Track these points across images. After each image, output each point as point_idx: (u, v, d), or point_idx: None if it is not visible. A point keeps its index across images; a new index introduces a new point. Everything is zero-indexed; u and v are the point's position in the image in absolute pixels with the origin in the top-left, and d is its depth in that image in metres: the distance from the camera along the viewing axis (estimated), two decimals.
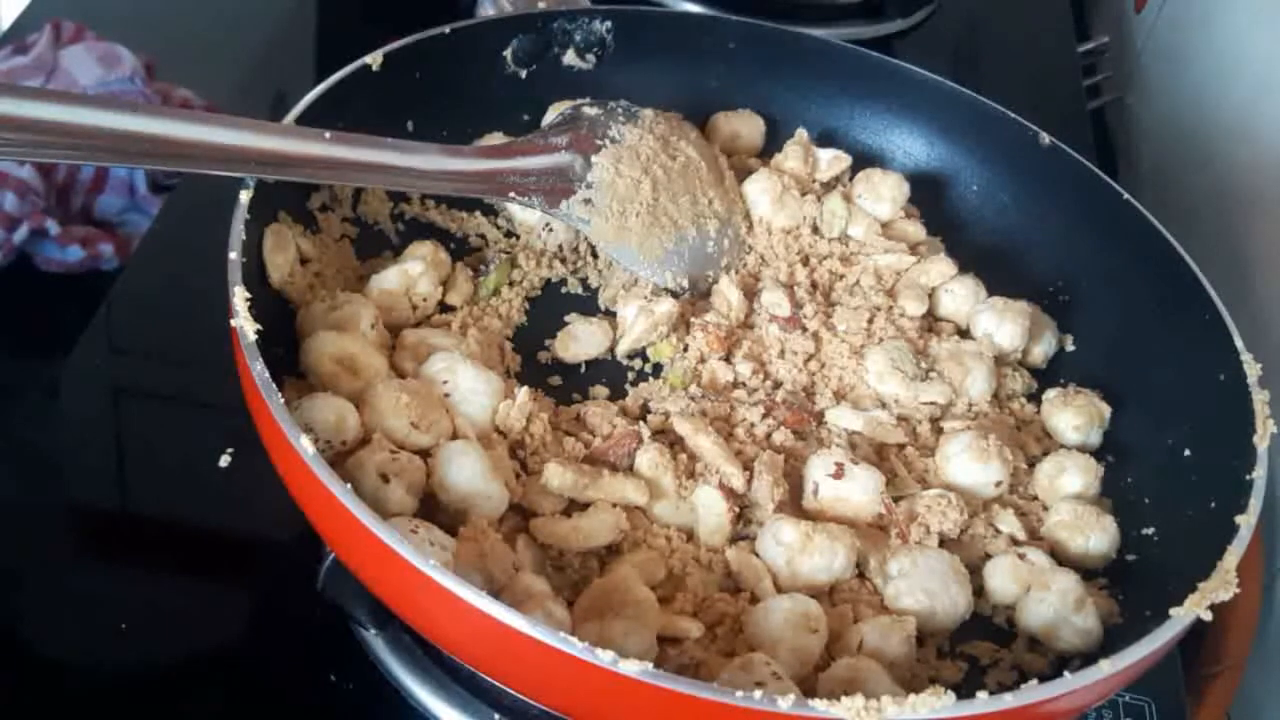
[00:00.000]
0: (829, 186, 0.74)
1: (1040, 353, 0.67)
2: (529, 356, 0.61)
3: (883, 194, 0.72)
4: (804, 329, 0.64)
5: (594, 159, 0.64)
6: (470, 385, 0.54)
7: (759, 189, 0.70)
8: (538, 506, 0.52)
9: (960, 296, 0.68)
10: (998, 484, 0.58)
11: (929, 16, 1.07)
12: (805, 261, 0.69)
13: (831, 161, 0.73)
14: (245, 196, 0.52)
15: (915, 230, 0.73)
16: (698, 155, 0.68)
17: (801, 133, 0.74)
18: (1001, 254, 0.72)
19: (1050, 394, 0.64)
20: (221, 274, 0.49)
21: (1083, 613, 0.52)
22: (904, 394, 0.61)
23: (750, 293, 0.66)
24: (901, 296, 0.68)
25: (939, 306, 0.69)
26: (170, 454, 0.62)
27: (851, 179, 0.74)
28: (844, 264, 0.69)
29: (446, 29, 0.67)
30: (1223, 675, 0.63)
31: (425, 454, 0.52)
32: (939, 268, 0.69)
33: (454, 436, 0.53)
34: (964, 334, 0.68)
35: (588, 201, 0.63)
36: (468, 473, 0.50)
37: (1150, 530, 0.57)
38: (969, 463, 0.58)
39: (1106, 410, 0.63)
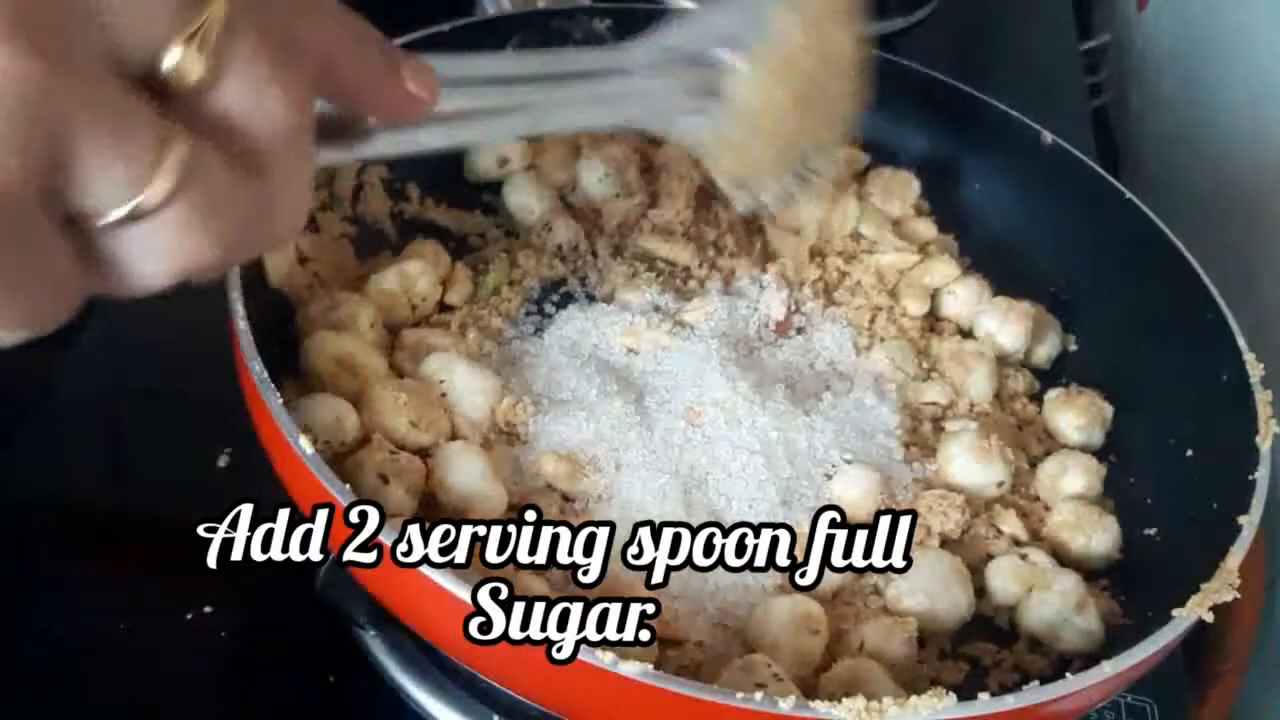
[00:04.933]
0: (841, 185, 0.73)
1: (1044, 353, 0.67)
2: None
3: (894, 192, 0.72)
4: (798, 330, 0.64)
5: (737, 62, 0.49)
6: (466, 384, 0.54)
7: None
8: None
9: (963, 298, 0.68)
10: (999, 484, 0.58)
11: (931, 14, 1.07)
12: (813, 255, 0.69)
13: (848, 160, 0.73)
14: None
15: (926, 228, 0.72)
16: (852, 49, 0.54)
17: None
18: (1003, 253, 0.71)
19: (1052, 394, 0.64)
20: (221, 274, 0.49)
21: (1084, 613, 0.52)
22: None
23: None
24: (903, 296, 0.67)
25: (941, 307, 0.68)
26: (170, 454, 0.62)
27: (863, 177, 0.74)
28: (848, 262, 0.69)
29: (446, 28, 0.67)
30: (1225, 676, 0.62)
31: (425, 455, 0.51)
32: (942, 269, 0.69)
33: (454, 436, 0.53)
34: (966, 334, 0.68)
35: (708, 114, 0.50)
36: (467, 474, 0.50)
37: (1152, 531, 0.56)
38: (970, 463, 0.57)
39: (1109, 410, 0.63)
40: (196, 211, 0.30)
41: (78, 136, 0.28)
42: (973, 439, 0.58)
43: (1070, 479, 0.59)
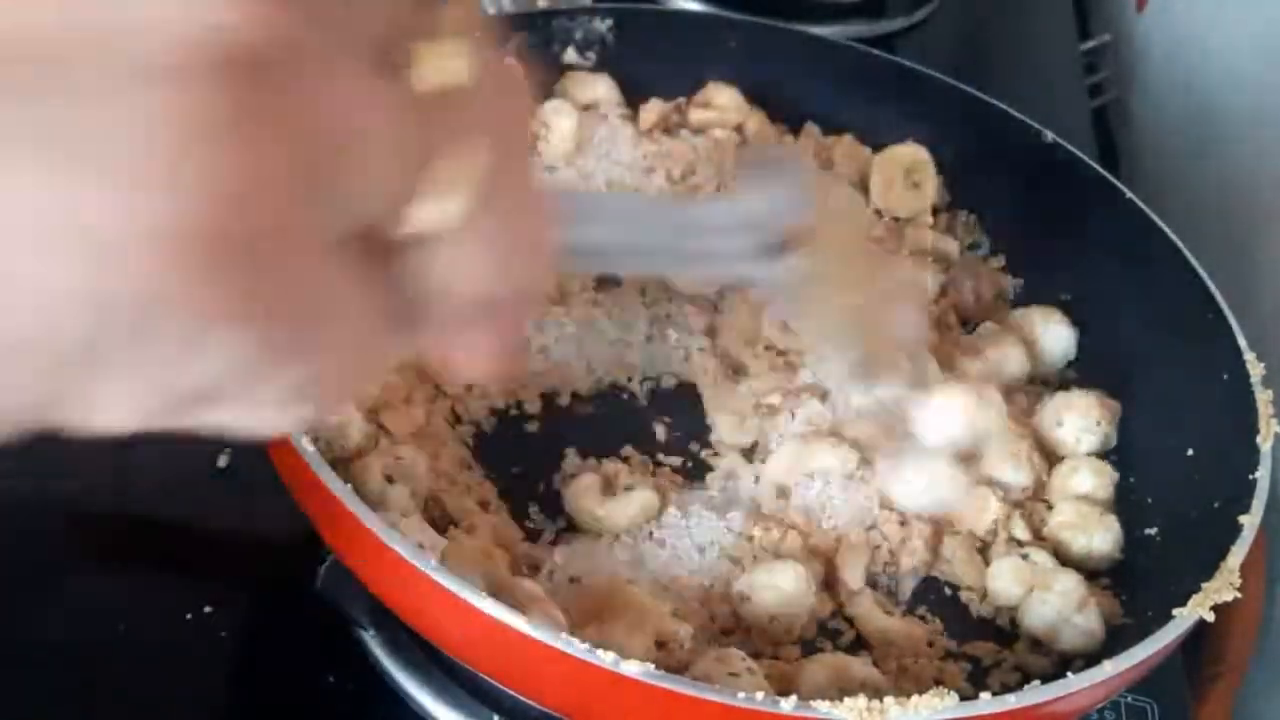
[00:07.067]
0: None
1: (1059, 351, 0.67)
2: None
3: None
4: None
5: None
6: None
7: None
8: None
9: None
10: (1024, 489, 0.58)
11: (931, 14, 1.07)
12: None
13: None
14: None
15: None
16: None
17: (811, 128, 0.74)
18: (1002, 253, 0.71)
19: (1055, 394, 0.64)
20: None
21: (1085, 613, 0.52)
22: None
23: None
24: None
25: None
26: (170, 454, 0.62)
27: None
28: None
29: None
30: (1226, 676, 0.62)
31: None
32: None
33: None
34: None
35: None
36: None
37: (1153, 530, 0.56)
38: (1000, 462, 0.57)
39: (1112, 410, 0.62)
40: (495, 230, 0.24)
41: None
42: (1004, 440, 0.58)
43: (1079, 479, 0.58)
